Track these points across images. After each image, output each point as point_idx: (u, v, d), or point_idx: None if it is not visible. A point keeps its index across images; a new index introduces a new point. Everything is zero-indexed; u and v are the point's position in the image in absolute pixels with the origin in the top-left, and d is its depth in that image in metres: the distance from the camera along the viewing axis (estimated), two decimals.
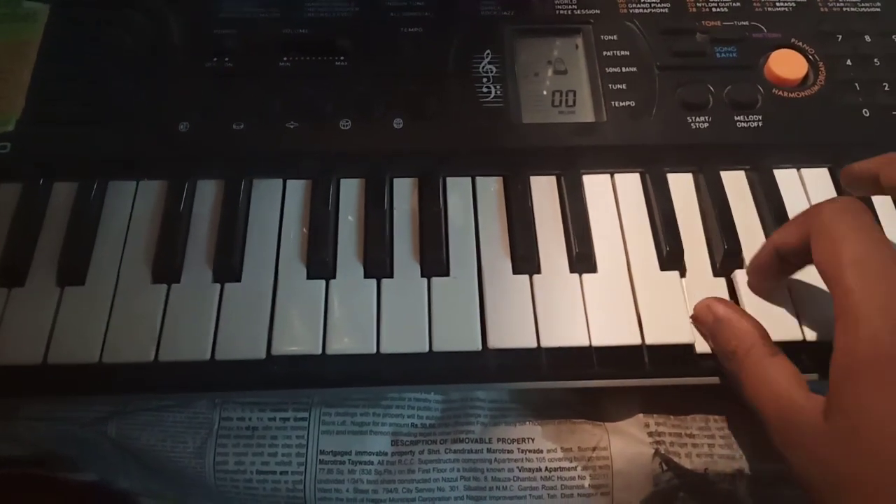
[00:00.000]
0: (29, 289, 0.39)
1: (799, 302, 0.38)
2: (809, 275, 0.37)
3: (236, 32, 0.46)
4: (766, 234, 0.41)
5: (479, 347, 0.37)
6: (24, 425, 0.41)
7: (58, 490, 0.44)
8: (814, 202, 0.42)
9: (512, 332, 0.38)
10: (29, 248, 0.40)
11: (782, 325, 0.38)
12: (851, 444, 0.29)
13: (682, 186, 0.43)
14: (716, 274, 0.40)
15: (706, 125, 0.44)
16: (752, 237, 0.41)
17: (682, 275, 0.40)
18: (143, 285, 0.39)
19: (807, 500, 0.38)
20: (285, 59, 0.45)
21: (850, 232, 0.32)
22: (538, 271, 0.40)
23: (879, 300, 0.29)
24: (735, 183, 0.43)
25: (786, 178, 0.43)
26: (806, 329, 0.38)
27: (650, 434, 0.40)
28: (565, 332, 0.38)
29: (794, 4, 0.48)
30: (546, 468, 0.39)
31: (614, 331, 0.38)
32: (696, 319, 0.38)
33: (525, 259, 0.40)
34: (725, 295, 0.39)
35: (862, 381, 0.29)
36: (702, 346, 0.38)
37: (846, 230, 0.32)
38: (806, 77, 0.46)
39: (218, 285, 0.39)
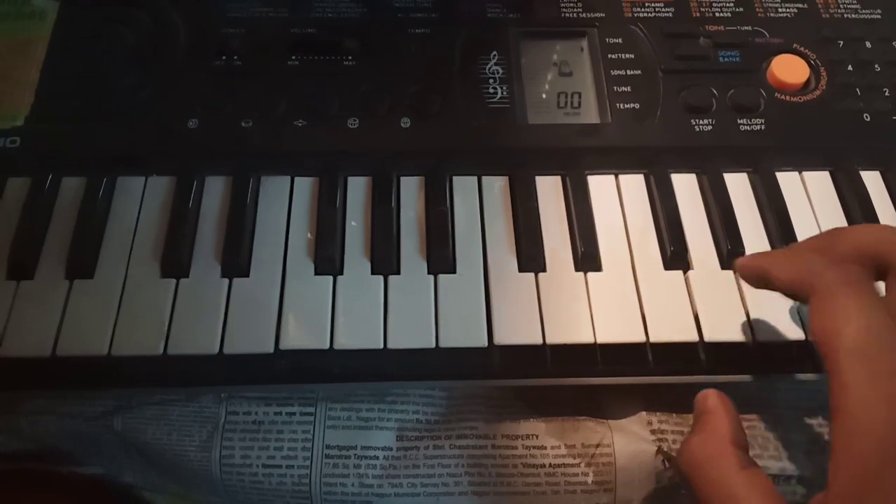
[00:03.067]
0: (38, 282, 0.39)
1: (801, 304, 0.39)
2: None
3: (244, 31, 0.46)
4: (769, 236, 0.42)
5: (485, 344, 0.38)
6: (27, 420, 0.41)
7: (61, 485, 0.44)
8: (815, 204, 0.43)
9: (517, 329, 0.38)
10: (38, 241, 0.40)
11: (784, 325, 0.38)
12: None
13: (686, 187, 0.43)
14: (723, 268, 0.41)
15: (709, 128, 0.45)
16: (755, 239, 0.42)
17: (687, 273, 0.40)
18: (152, 280, 0.39)
19: (804, 499, 0.39)
20: (293, 58, 0.46)
21: (854, 313, 0.28)
22: (544, 269, 0.40)
23: (881, 406, 0.26)
24: (738, 185, 0.44)
25: (788, 181, 0.44)
26: (807, 329, 0.38)
27: (653, 432, 0.40)
28: (570, 329, 0.38)
29: (795, 10, 0.49)
30: (549, 464, 0.40)
31: (619, 329, 0.38)
32: (695, 405, 0.35)
33: (531, 257, 0.40)
34: (732, 292, 0.39)
35: (870, 494, 0.26)
36: (709, 338, 0.38)
37: (849, 309, 0.28)
38: (808, 82, 0.46)
39: (226, 280, 0.39)
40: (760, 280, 0.34)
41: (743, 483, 0.29)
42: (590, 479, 0.39)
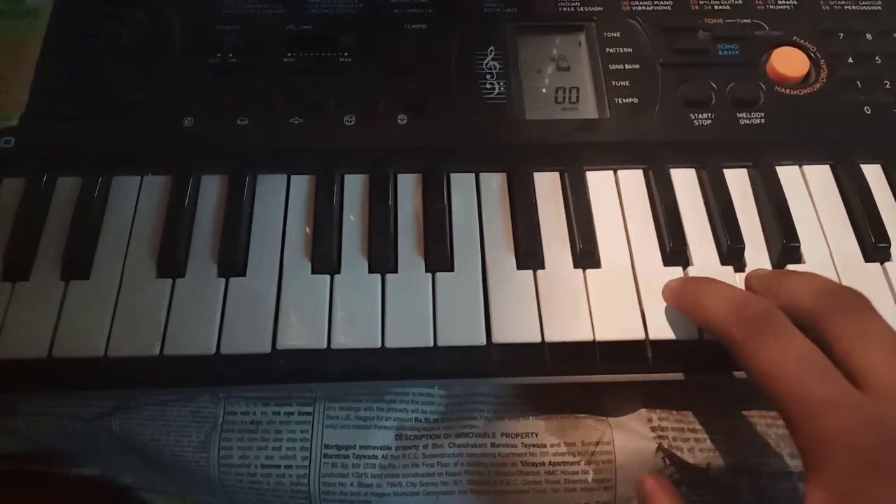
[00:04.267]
0: (33, 283, 0.39)
1: None
2: None
3: (240, 28, 0.46)
4: (769, 231, 0.41)
5: (484, 342, 0.37)
6: (24, 421, 0.41)
7: (59, 486, 0.44)
8: (816, 198, 0.43)
9: (516, 327, 0.38)
10: (33, 242, 0.40)
11: None
12: None
13: (685, 182, 0.43)
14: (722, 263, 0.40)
15: (709, 122, 0.44)
16: (754, 234, 0.41)
17: (686, 269, 0.40)
18: (148, 279, 0.39)
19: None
20: (289, 55, 0.45)
21: (782, 356, 0.30)
22: (542, 267, 0.40)
23: (836, 435, 0.28)
24: (737, 180, 0.43)
25: (788, 175, 0.43)
26: None
27: (653, 429, 0.40)
28: (569, 327, 0.38)
29: (795, 3, 0.49)
30: (549, 462, 0.39)
31: (618, 326, 0.38)
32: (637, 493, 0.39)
33: (529, 254, 0.40)
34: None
35: None
36: (709, 335, 0.38)
37: (770, 363, 0.30)
38: (808, 75, 0.46)
39: (223, 280, 0.39)
40: (683, 313, 0.37)
41: None
42: (590, 477, 0.39)
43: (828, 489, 0.28)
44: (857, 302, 0.32)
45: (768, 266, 0.41)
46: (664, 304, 0.39)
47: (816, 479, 0.28)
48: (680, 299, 0.37)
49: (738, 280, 0.40)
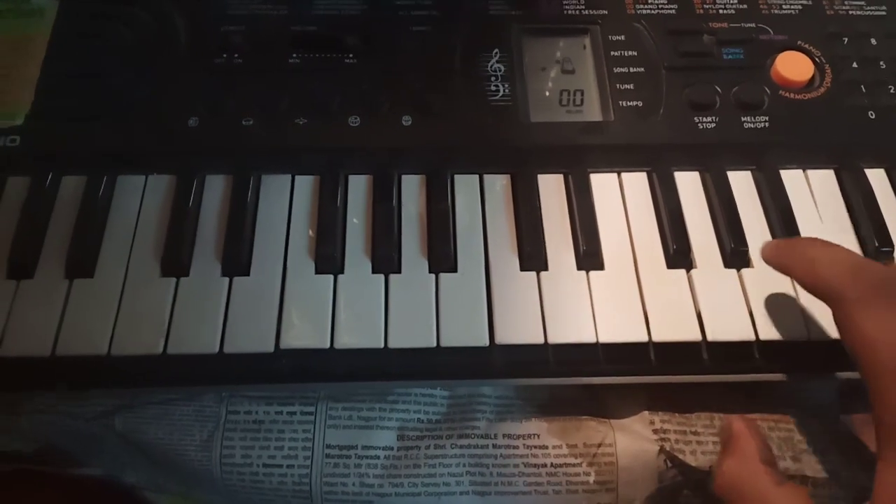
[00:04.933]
0: (38, 281, 0.39)
1: (805, 302, 0.39)
2: None
3: (245, 29, 0.46)
4: (773, 235, 0.41)
5: (487, 343, 0.37)
6: (28, 420, 0.41)
7: (62, 485, 0.44)
8: (819, 203, 0.43)
9: (519, 329, 0.38)
10: (38, 240, 0.40)
11: (788, 324, 0.38)
12: None
13: (689, 184, 0.43)
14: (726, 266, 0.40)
15: (713, 125, 0.44)
16: (758, 237, 0.41)
17: (690, 271, 0.40)
18: (152, 278, 0.39)
19: (817, 500, 0.38)
20: (294, 55, 0.46)
21: (883, 328, 0.29)
22: (545, 268, 0.40)
23: None
24: (742, 183, 0.43)
25: (792, 179, 0.43)
26: (812, 328, 0.38)
27: (655, 431, 0.40)
28: (572, 328, 0.38)
29: (800, 7, 0.49)
30: (551, 464, 0.39)
31: (621, 328, 0.38)
32: (720, 434, 0.36)
33: (532, 256, 0.40)
34: (735, 291, 0.39)
35: None
36: (712, 337, 0.38)
37: (878, 324, 0.29)
38: (812, 79, 0.46)
39: (226, 279, 0.39)
40: (783, 271, 0.35)
41: (783, 498, 0.30)
42: (592, 479, 0.39)
43: None
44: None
45: (771, 269, 0.40)
46: (667, 306, 0.39)
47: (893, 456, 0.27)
48: (785, 254, 0.35)
49: (740, 283, 0.39)
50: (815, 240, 0.35)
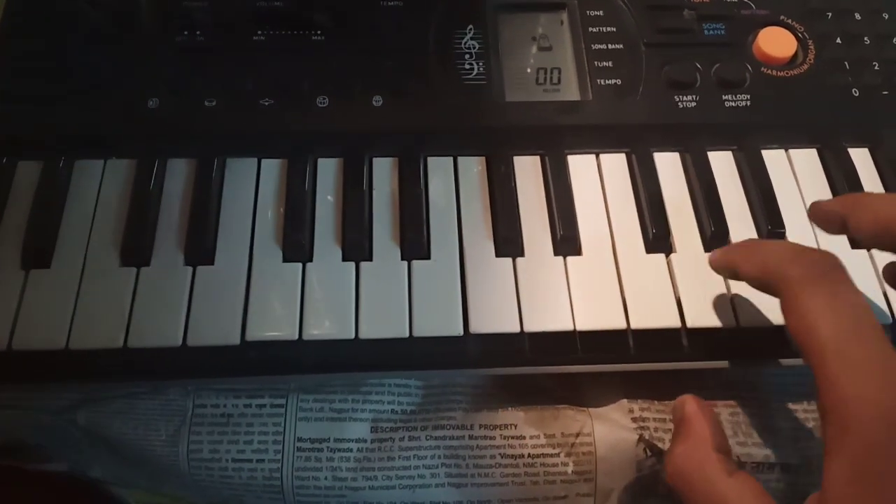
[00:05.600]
0: None
1: None
2: None
3: (207, 5, 0.44)
4: (755, 217, 0.41)
5: (461, 332, 0.36)
6: None
7: (27, 481, 0.43)
8: (802, 183, 0.42)
9: (494, 317, 0.37)
10: None
11: (768, 310, 0.37)
12: None
13: (669, 166, 0.42)
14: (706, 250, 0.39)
15: (693, 104, 0.43)
16: (739, 220, 0.40)
17: (669, 256, 0.39)
18: (112, 268, 0.38)
19: (790, 487, 0.38)
20: (259, 33, 0.44)
21: (823, 311, 0.28)
22: (521, 254, 0.39)
23: (868, 404, 0.26)
24: (722, 163, 0.42)
25: (774, 159, 0.42)
26: None
27: (634, 419, 0.39)
28: (549, 316, 0.37)
29: None
30: (529, 455, 0.39)
31: (599, 315, 0.37)
32: (673, 412, 0.35)
33: (508, 242, 0.39)
34: (715, 274, 0.38)
35: (863, 496, 0.26)
36: (692, 323, 0.37)
37: (820, 306, 0.28)
38: (795, 55, 0.45)
39: (190, 268, 0.38)
40: (732, 274, 0.34)
41: (733, 489, 0.29)
42: (570, 469, 0.38)
43: (852, 456, 0.26)
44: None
45: None
46: (646, 292, 0.38)
47: (839, 444, 0.26)
48: (731, 254, 0.35)
49: None
50: (755, 239, 0.36)
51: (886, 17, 0.46)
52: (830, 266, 0.30)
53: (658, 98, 0.43)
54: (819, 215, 0.36)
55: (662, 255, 0.39)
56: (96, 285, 0.37)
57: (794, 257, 0.31)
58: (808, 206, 0.41)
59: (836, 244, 0.40)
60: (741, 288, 0.37)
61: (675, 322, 0.37)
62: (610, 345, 0.37)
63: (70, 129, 0.41)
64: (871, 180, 0.42)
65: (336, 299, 0.37)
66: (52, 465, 0.43)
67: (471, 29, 0.45)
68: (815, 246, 0.39)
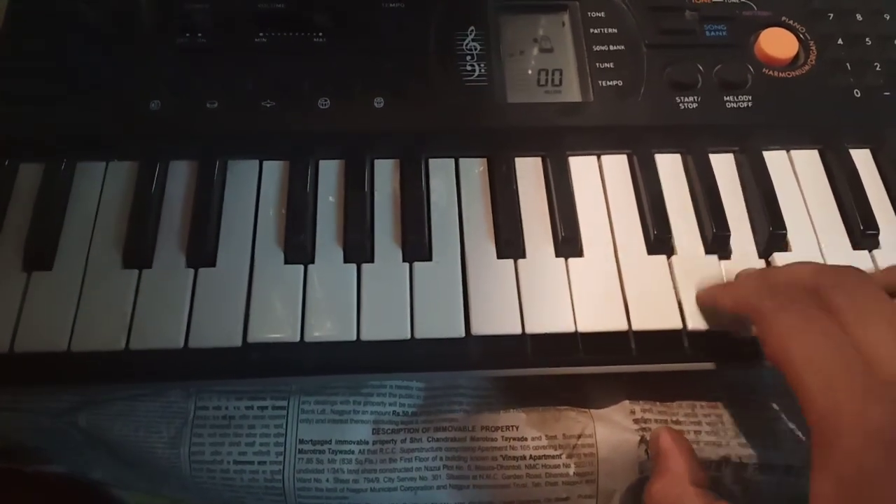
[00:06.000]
0: None
1: None
2: None
3: (209, 7, 0.44)
4: (756, 218, 0.40)
5: (463, 334, 0.36)
6: None
7: (28, 482, 0.43)
8: (803, 184, 0.42)
9: (496, 319, 0.37)
10: None
11: None
12: None
13: (670, 167, 0.42)
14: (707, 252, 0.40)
15: (695, 105, 0.43)
16: (741, 221, 0.40)
17: (671, 258, 0.39)
18: (114, 270, 0.38)
19: (792, 488, 0.38)
20: (261, 34, 0.44)
21: (795, 330, 0.29)
22: (523, 256, 0.39)
23: (848, 408, 0.27)
24: (724, 164, 0.42)
25: (775, 160, 0.42)
26: None
27: (636, 421, 0.39)
28: (550, 317, 0.37)
29: None
30: (530, 456, 0.39)
31: (600, 316, 0.37)
32: (650, 444, 0.37)
33: (510, 243, 0.39)
34: (716, 276, 0.38)
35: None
36: (693, 325, 0.37)
37: (790, 328, 0.29)
38: (796, 56, 0.45)
39: (191, 270, 0.38)
40: (715, 310, 0.36)
41: None
42: (571, 471, 0.38)
43: (836, 470, 0.26)
44: (857, 278, 0.32)
45: (754, 253, 0.40)
46: (648, 293, 0.38)
47: (824, 460, 0.27)
48: (710, 293, 0.37)
49: (722, 268, 0.39)
50: (738, 274, 0.38)
51: (888, 17, 0.46)
52: (798, 292, 0.31)
53: (659, 99, 0.43)
54: (700, 305, 0.37)
55: (664, 257, 0.39)
56: (98, 287, 0.37)
57: (764, 290, 0.33)
58: (809, 207, 0.41)
59: (838, 246, 0.40)
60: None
61: (676, 323, 0.37)
62: (611, 346, 0.37)
63: (72, 131, 0.41)
64: (872, 181, 0.42)
65: (338, 301, 0.37)
66: (52, 467, 0.43)
67: (472, 30, 0.45)
68: (816, 246, 0.40)
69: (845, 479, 0.26)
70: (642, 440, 0.38)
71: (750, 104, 0.43)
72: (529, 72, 0.44)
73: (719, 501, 0.31)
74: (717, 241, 0.39)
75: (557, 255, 0.39)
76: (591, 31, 0.45)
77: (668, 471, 0.33)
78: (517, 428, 0.39)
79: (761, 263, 0.39)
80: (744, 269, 0.38)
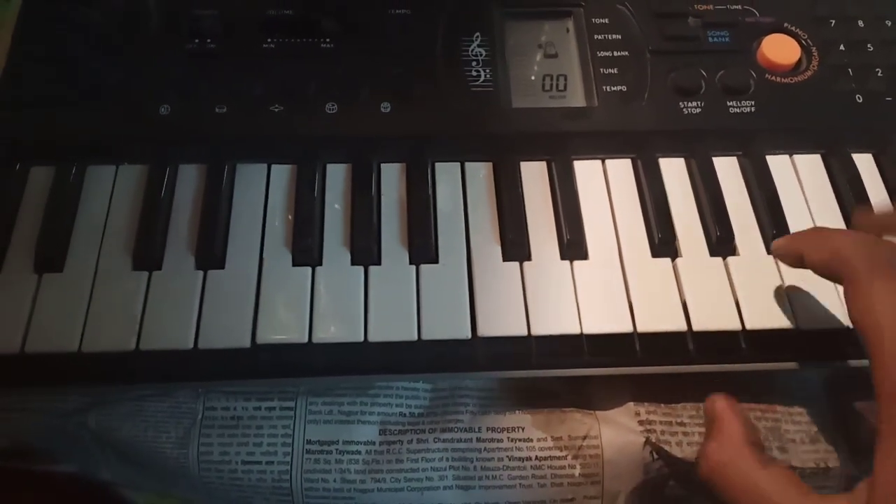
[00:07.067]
0: (6, 275, 0.38)
1: (792, 290, 0.38)
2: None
3: (217, 12, 0.45)
4: (759, 222, 0.41)
5: (469, 336, 0.37)
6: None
7: (36, 483, 0.43)
8: (806, 188, 0.42)
9: (502, 320, 0.37)
10: (5, 233, 0.39)
11: (775, 313, 0.38)
12: None
13: (674, 171, 0.42)
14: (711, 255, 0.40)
15: (698, 110, 0.43)
16: (744, 224, 0.41)
17: (675, 260, 0.39)
18: (124, 272, 0.38)
19: None
20: (269, 40, 0.44)
21: (888, 299, 0.29)
22: (528, 258, 0.39)
23: None
24: (727, 169, 0.43)
25: (779, 165, 0.43)
26: (799, 317, 0.37)
27: (641, 423, 0.39)
28: (556, 319, 0.37)
29: None
30: (536, 457, 0.39)
31: (605, 318, 0.37)
32: (705, 412, 0.36)
33: (515, 246, 0.39)
34: (721, 280, 0.39)
35: None
36: (698, 327, 0.37)
37: (883, 296, 0.29)
38: (799, 62, 0.45)
39: (201, 272, 0.38)
40: (797, 262, 0.35)
41: (769, 480, 0.30)
42: (577, 472, 0.39)
43: None
44: None
45: (759, 256, 0.40)
46: (653, 295, 0.38)
47: (893, 440, 0.27)
48: (799, 240, 0.35)
49: (726, 271, 0.39)
50: (822, 227, 0.37)
51: (889, 24, 0.46)
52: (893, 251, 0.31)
53: (663, 104, 0.43)
54: (778, 253, 0.37)
55: (668, 260, 0.39)
56: (108, 289, 0.37)
57: (862, 248, 0.31)
58: (812, 210, 0.42)
59: None
60: (747, 291, 0.38)
61: (681, 325, 0.37)
62: (616, 348, 0.37)
63: (83, 135, 0.42)
64: (875, 186, 0.42)
65: (345, 303, 0.37)
66: (61, 468, 0.43)
67: (478, 36, 0.45)
68: None
69: None
70: (647, 442, 0.39)
71: (753, 109, 0.43)
72: (534, 77, 0.45)
73: (775, 463, 0.31)
74: (721, 244, 0.40)
75: (563, 258, 0.39)
76: (596, 36, 0.45)
77: (723, 432, 0.33)
78: (523, 429, 0.39)
79: (766, 265, 0.39)
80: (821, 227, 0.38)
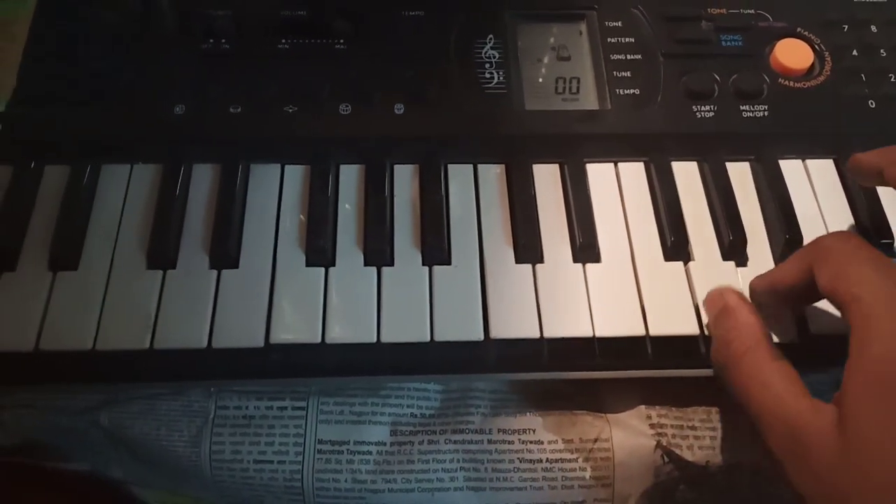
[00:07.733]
0: (20, 274, 0.38)
1: None
2: None
3: (232, 13, 0.45)
4: (772, 226, 0.41)
5: (481, 337, 0.37)
6: (10, 414, 0.40)
7: (48, 480, 0.44)
8: (819, 193, 0.42)
9: (514, 322, 0.37)
10: (20, 232, 0.39)
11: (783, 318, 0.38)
12: (864, 461, 0.27)
13: (687, 175, 0.42)
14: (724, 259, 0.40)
15: (711, 114, 0.43)
16: (757, 228, 0.41)
17: (688, 264, 0.39)
18: (138, 271, 0.38)
19: None
20: (283, 41, 0.44)
21: (854, 254, 0.31)
22: (541, 261, 0.39)
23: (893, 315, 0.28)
24: (740, 173, 0.43)
25: (791, 169, 0.43)
26: (810, 321, 0.38)
27: (652, 426, 0.39)
28: (568, 322, 0.37)
29: None
30: (547, 459, 0.39)
31: (617, 322, 0.37)
32: (707, 303, 0.37)
33: (528, 248, 0.39)
34: (733, 282, 0.38)
35: (882, 400, 0.27)
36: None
37: (850, 253, 0.31)
38: (812, 67, 0.45)
39: (214, 272, 0.38)
40: (875, 178, 0.37)
41: (780, 375, 0.32)
42: (588, 475, 0.39)
43: (870, 370, 0.28)
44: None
45: (771, 260, 0.40)
46: (665, 299, 0.38)
47: (859, 360, 0.29)
48: (880, 154, 0.37)
49: (738, 276, 0.39)
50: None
51: None
52: (860, 238, 0.32)
53: (676, 108, 0.44)
54: (856, 167, 0.37)
55: (681, 263, 0.39)
56: (123, 288, 0.38)
57: (845, 239, 0.33)
58: (825, 215, 0.41)
59: None
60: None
61: (693, 329, 0.37)
62: (628, 351, 0.37)
63: (97, 134, 0.42)
64: (887, 190, 0.42)
65: (358, 303, 0.37)
66: (73, 466, 0.43)
67: (491, 38, 0.45)
68: None
69: (874, 380, 0.28)
70: (658, 445, 0.39)
71: (766, 113, 0.44)
72: (547, 80, 0.45)
73: (782, 354, 0.33)
74: (733, 248, 0.40)
75: (575, 261, 0.39)
76: (609, 40, 0.46)
77: (739, 323, 0.34)
78: (534, 431, 0.39)
79: None
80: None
